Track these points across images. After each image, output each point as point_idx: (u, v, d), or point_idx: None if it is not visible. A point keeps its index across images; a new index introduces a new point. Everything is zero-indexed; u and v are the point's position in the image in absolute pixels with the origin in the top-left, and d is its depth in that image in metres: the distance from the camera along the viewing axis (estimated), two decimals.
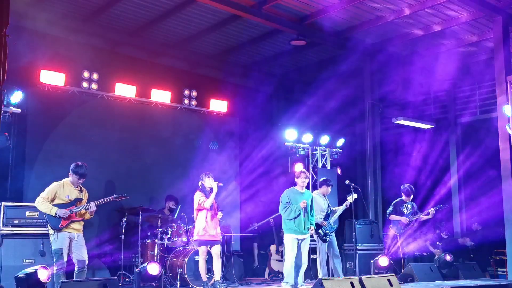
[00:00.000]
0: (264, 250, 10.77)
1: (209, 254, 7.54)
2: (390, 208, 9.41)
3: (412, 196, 9.40)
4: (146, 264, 7.58)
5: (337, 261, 8.20)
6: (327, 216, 8.21)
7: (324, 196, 8.42)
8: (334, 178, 10.31)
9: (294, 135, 10.32)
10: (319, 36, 10.24)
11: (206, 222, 7.39)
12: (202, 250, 7.43)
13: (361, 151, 11.71)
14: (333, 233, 8.31)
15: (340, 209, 8.39)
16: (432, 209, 9.20)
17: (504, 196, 8.86)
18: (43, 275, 6.08)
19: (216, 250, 7.45)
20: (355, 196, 8.41)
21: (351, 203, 8.35)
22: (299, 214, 7.25)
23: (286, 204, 7.34)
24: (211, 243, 7.43)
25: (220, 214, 7.65)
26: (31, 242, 7.21)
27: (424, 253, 9.86)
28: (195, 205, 7.52)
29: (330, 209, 8.41)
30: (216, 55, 11.02)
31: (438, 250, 10.00)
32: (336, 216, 8.39)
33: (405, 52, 11.27)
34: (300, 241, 7.29)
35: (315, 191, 8.61)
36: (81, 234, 6.67)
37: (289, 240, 7.27)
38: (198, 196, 7.51)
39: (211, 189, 7.46)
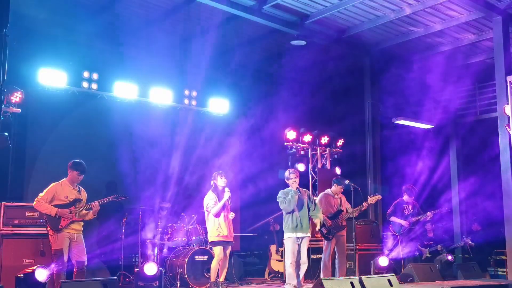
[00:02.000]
0: (264, 250, 10.78)
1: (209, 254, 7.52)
2: (391, 209, 9.40)
3: (413, 197, 9.39)
4: (143, 264, 7.58)
5: (342, 261, 8.15)
6: (336, 215, 8.15)
7: (335, 194, 8.35)
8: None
9: (294, 135, 10.32)
10: (319, 36, 10.25)
11: (219, 223, 7.31)
12: (218, 251, 7.32)
13: (361, 151, 11.71)
14: (343, 232, 8.21)
15: (355, 210, 8.15)
16: (430, 212, 9.20)
17: (504, 196, 8.85)
18: (41, 275, 6.07)
19: (227, 251, 7.42)
20: (378, 197, 8.23)
21: (370, 204, 8.25)
22: (294, 210, 7.16)
23: (283, 198, 7.23)
24: (225, 244, 7.36)
25: (232, 215, 7.52)
26: (31, 242, 7.20)
27: (417, 253, 9.83)
28: (204, 207, 7.47)
29: (346, 208, 8.27)
30: (216, 55, 11.02)
31: (427, 249, 9.98)
32: (347, 216, 8.25)
33: (404, 52, 11.28)
34: (300, 240, 7.19)
35: (327, 190, 8.54)
36: (80, 234, 6.67)
37: (289, 241, 7.18)
38: (207, 200, 7.41)
39: (223, 188, 7.41)
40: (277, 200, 7.36)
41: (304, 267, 7.22)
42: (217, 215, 7.29)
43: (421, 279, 8.30)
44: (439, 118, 13.04)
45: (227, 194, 7.33)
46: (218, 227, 7.28)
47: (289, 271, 7.13)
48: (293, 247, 7.14)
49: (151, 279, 7.60)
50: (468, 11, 9.32)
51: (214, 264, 7.36)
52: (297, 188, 7.30)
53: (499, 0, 9.03)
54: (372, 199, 8.19)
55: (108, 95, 9.67)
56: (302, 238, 7.20)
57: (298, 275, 7.19)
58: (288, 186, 7.38)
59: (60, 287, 5.75)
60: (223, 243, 7.33)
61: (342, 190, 8.39)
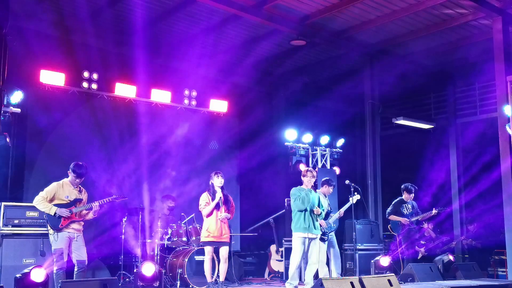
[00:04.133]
0: (264, 250, 10.79)
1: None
2: (390, 208, 9.42)
3: (413, 196, 9.39)
4: (142, 264, 7.60)
5: (336, 261, 8.20)
6: (327, 216, 8.22)
7: (325, 195, 8.42)
8: (334, 178, 10.31)
9: (294, 135, 10.32)
10: (319, 36, 10.24)
11: (209, 224, 7.34)
12: (207, 250, 7.36)
13: (361, 151, 11.70)
14: (333, 233, 8.32)
15: (342, 210, 8.41)
16: (435, 209, 9.22)
17: (504, 196, 8.84)
18: (37, 275, 6.04)
19: (222, 252, 7.40)
20: (357, 197, 8.38)
21: (352, 204, 8.34)
22: (307, 210, 7.13)
23: (297, 196, 7.18)
24: (216, 244, 7.37)
25: (223, 214, 7.49)
26: (31, 242, 7.21)
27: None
28: (199, 207, 7.50)
29: (330, 209, 8.41)
30: (216, 54, 11.03)
31: (422, 249, 9.98)
32: (336, 216, 8.39)
33: (404, 52, 11.27)
34: (309, 241, 7.15)
35: (316, 190, 8.61)
36: (81, 234, 6.68)
37: (297, 240, 7.12)
38: (201, 200, 7.46)
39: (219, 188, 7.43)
40: (291, 198, 7.30)
41: (314, 267, 7.16)
42: (208, 215, 7.32)
43: (421, 279, 8.30)
44: (439, 117, 13.05)
45: (218, 195, 7.36)
46: (208, 227, 7.33)
47: (293, 270, 7.08)
48: (301, 247, 7.08)
49: (150, 279, 7.60)
50: (468, 11, 9.31)
51: (205, 264, 7.40)
52: (312, 186, 7.29)
53: (499, 0, 9.03)
54: (353, 199, 8.34)
55: (108, 95, 9.67)
56: (313, 238, 7.18)
57: (309, 273, 7.13)
58: (301, 184, 7.37)
59: (60, 287, 5.75)
60: (213, 244, 7.35)
61: (331, 192, 8.48)
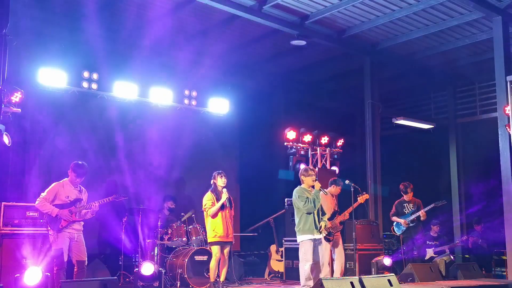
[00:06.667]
0: (264, 250, 10.79)
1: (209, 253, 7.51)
2: (392, 209, 9.45)
3: (411, 194, 9.39)
4: (141, 264, 7.60)
5: (340, 261, 8.16)
6: (332, 216, 8.19)
7: (332, 195, 8.39)
8: None
9: (294, 135, 10.32)
10: (319, 36, 10.24)
11: (216, 224, 7.33)
12: (215, 250, 7.34)
13: (361, 151, 11.69)
14: (339, 233, 8.28)
15: (346, 213, 8.32)
16: (430, 206, 9.24)
17: (504, 196, 8.84)
18: (33, 275, 6.00)
19: (225, 251, 7.42)
20: (366, 196, 8.30)
21: (361, 203, 8.28)
22: (312, 212, 7.09)
23: (306, 198, 7.06)
24: (223, 244, 7.36)
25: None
26: (31, 242, 7.20)
27: (415, 253, 9.84)
28: (203, 207, 7.49)
29: (338, 209, 8.34)
30: (216, 54, 11.02)
31: (431, 249, 9.98)
32: (341, 218, 8.31)
33: (405, 52, 11.27)
34: (316, 241, 7.10)
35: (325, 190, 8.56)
36: (81, 234, 6.68)
37: (307, 243, 7.02)
38: (205, 200, 7.43)
39: (223, 189, 7.42)
40: (299, 200, 7.12)
41: (324, 268, 7.14)
42: (214, 215, 7.31)
43: (421, 279, 8.30)
44: (439, 117, 13.06)
45: (224, 196, 7.36)
46: (214, 227, 7.31)
47: (307, 273, 6.97)
48: (311, 248, 7.01)
49: (150, 279, 7.62)
50: (468, 11, 9.32)
51: (212, 264, 7.37)
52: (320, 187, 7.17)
53: (499, 0, 9.04)
54: (361, 198, 8.25)
55: (108, 95, 9.66)
56: (319, 239, 7.15)
57: (317, 274, 7.10)
58: (300, 184, 7.28)
59: (60, 287, 5.75)
60: (220, 243, 7.33)
61: (339, 191, 8.44)
